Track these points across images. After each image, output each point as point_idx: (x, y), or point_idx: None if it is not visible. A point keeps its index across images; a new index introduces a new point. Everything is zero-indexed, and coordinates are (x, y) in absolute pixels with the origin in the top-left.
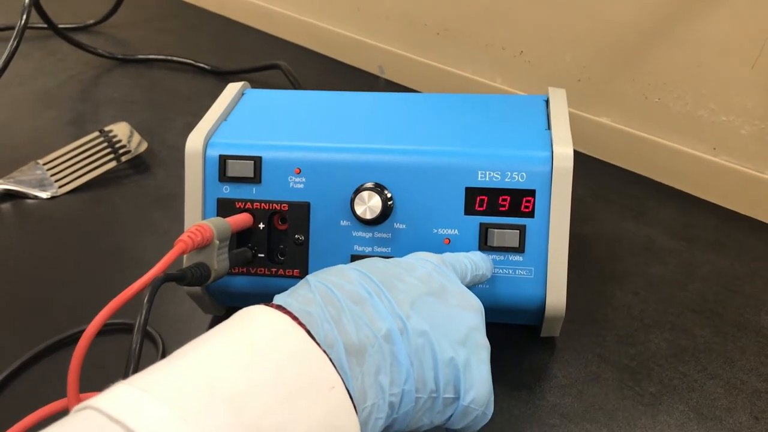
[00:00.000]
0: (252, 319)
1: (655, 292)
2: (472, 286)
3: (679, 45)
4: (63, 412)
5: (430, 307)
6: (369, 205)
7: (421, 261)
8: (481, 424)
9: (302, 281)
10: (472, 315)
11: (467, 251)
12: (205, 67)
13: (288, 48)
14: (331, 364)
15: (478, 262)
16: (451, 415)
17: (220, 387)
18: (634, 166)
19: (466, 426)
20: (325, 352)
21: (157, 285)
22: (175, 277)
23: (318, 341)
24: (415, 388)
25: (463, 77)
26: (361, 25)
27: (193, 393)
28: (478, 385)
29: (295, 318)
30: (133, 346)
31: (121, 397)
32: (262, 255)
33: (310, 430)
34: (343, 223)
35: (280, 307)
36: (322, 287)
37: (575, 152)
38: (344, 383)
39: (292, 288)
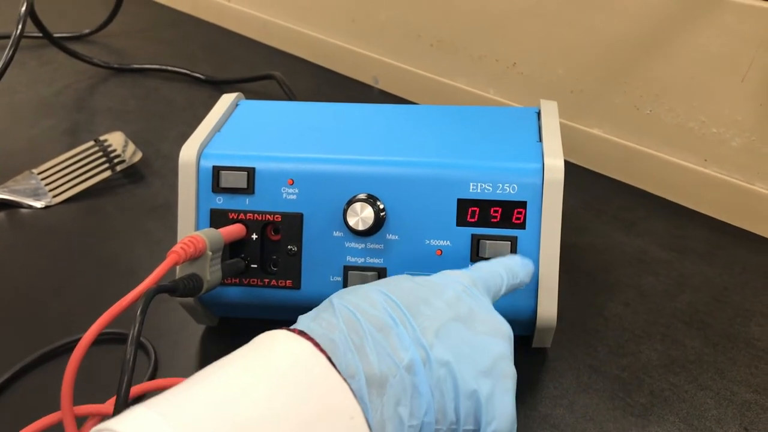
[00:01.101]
0: (274, 345)
1: (646, 303)
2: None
3: (670, 58)
4: (57, 426)
5: (456, 335)
6: (361, 216)
7: (451, 282)
8: None
9: (326, 303)
10: (499, 342)
11: (460, 262)
12: (200, 76)
13: (283, 58)
14: (351, 393)
15: (515, 269)
16: None
17: (239, 415)
18: (625, 177)
19: None
20: (345, 381)
21: (150, 296)
22: (168, 288)
23: (339, 370)
24: (435, 419)
25: (456, 88)
26: (355, 35)
27: (211, 421)
28: (500, 416)
29: (317, 344)
30: (127, 357)
31: (140, 421)
32: (255, 266)
33: None
34: (336, 234)
35: (302, 333)
36: (347, 312)
37: (567, 163)
38: (363, 413)
39: (315, 310)
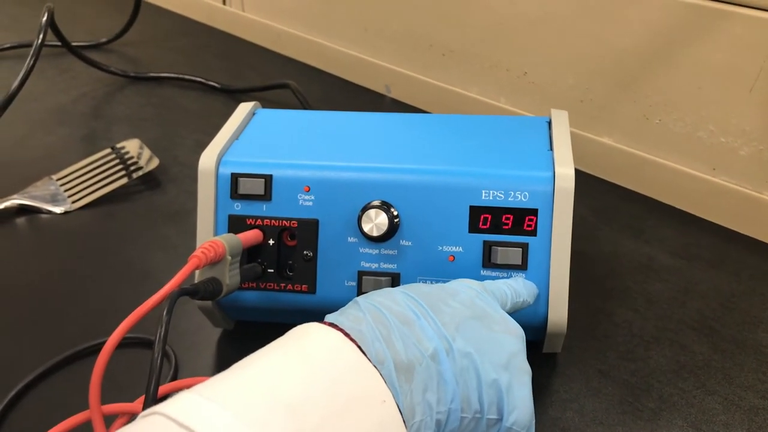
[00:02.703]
0: (308, 334)
1: (654, 309)
2: (512, 313)
3: (679, 68)
4: (86, 425)
5: (474, 331)
6: (376, 222)
7: (464, 287)
8: None
9: (352, 302)
10: (514, 340)
11: (472, 268)
12: (216, 85)
13: (296, 67)
14: (382, 378)
15: (518, 290)
16: None
17: (281, 397)
18: (634, 186)
19: None
20: (375, 367)
21: (174, 298)
22: (189, 291)
23: (369, 357)
24: (460, 407)
25: (467, 97)
26: (368, 45)
27: (255, 402)
28: (520, 407)
29: (347, 335)
30: (155, 356)
31: (188, 404)
32: (272, 270)
33: None
34: (351, 239)
35: (332, 325)
36: (372, 307)
37: (577, 171)
38: (394, 398)
39: (342, 309)
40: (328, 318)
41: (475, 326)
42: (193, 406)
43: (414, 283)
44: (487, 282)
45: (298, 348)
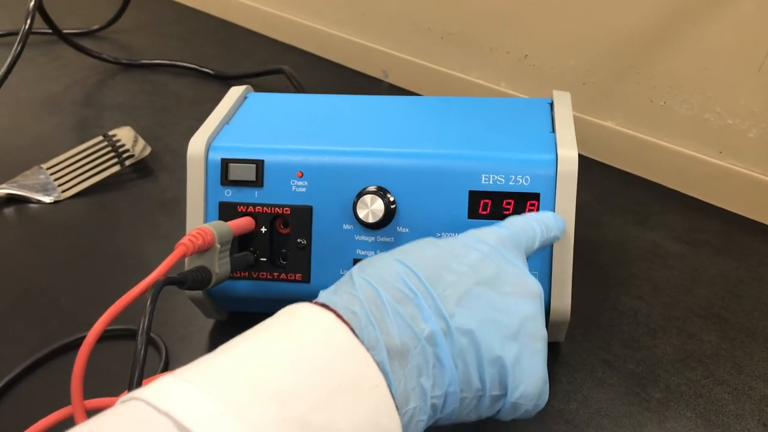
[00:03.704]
0: (297, 316)
1: (660, 297)
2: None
3: (684, 48)
4: (68, 420)
5: (480, 300)
6: (372, 208)
7: (475, 243)
8: (534, 413)
9: (347, 276)
10: (527, 302)
11: None
12: (209, 71)
13: (292, 52)
14: (374, 363)
15: (549, 224)
16: (500, 409)
17: (267, 382)
18: (639, 170)
19: (517, 417)
20: (368, 351)
21: (158, 288)
22: (176, 280)
23: (362, 341)
24: (459, 389)
25: (467, 81)
26: (365, 29)
27: (240, 387)
28: (528, 380)
29: (339, 316)
30: (138, 348)
31: (168, 389)
32: (264, 259)
33: (354, 427)
34: (346, 227)
35: (324, 305)
36: (366, 285)
37: (580, 156)
38: (387, 384)
39: (336, 284)
40: (321, 296)
41: (481, 294)
42: (172, 391)
43: (420, 241)
44: (514, 220)
45: (287, 330)
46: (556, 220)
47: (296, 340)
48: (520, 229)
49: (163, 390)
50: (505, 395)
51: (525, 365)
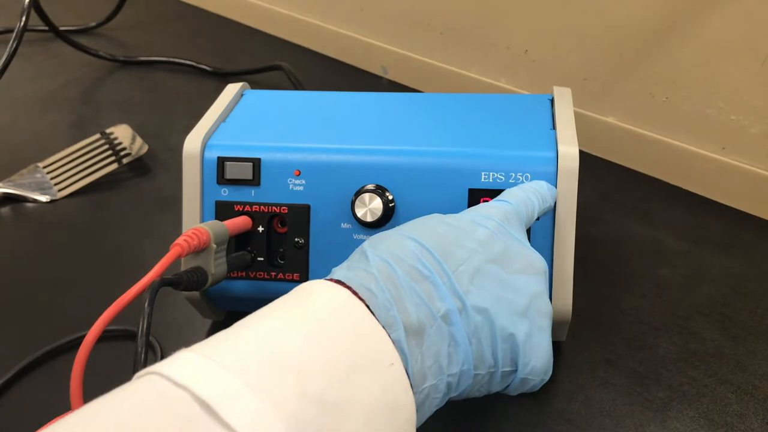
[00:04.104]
0: (313, 292)
1: (663, 295)
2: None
3: (686, 43)
4: None
5: (492, 278)
6: (370, 207)
7: (481, 219)
8: (539, 387)
9: (359, 253)
10: (534, 280)
11: None
12: (207, 68)
13: (290, 49)
14: (390, 341)
15: (545, 194)
16: (509, 385)
17: (285, 358)
18: (641, 167)
19: (524, 391)
20: (384, 329)
21: (155, 289)
22: (172, 281)
23: (378, 318)
24: (473, 366)
25: (467, 77)
26: (364, 25)
27: (258, 363)
28: (537, 355)
29: (354, 293)
30: (138, 350)
31: (186, 363)
32: (262, 259)
33: (370, 404)
34: (344, 225)
35: (339, 282)
36: (381, 262)
37: (581, 152)
38: (402, 362)
39: (348, 260)
40: (336, 274)
41: (493, 272)
42: (191, 366)
43: (427, 217)
44: (513, 191)
45: (304, 307)
46: (549, 189)
47: (313, 317)
48: (521, 202)
49: (181, 364)
50: (515, 371)
51: (534, 342)
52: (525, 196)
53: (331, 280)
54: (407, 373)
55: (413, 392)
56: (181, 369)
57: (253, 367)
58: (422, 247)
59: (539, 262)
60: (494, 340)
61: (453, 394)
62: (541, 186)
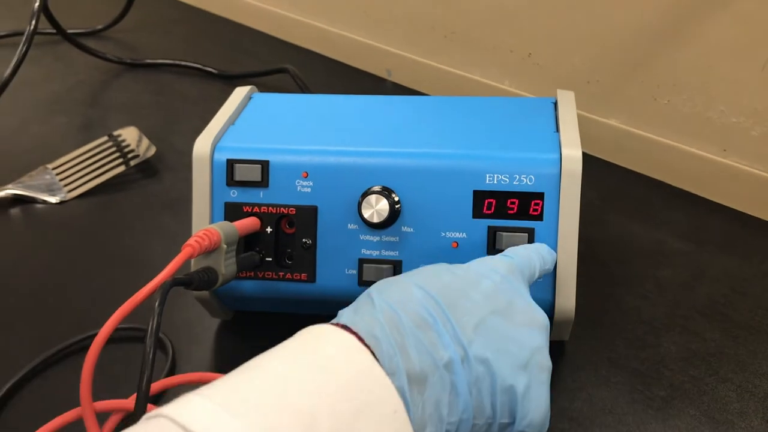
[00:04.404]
0: (320, 337)
1: (664, 295)
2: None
3: (688, 47)
4: (78, 422)
5: (495, 330)
6: (376, 208)
7: (488, 271)
8: None
9: (365, 298)
10: (536, 334)
11: (476, 254)
12: (213, 71)
13: (295, 52)
14: (394, 388)
15: (545, 257)
16: None
17: (291, 402)
18: (643, 168)
19: None
20: (388, 376)
21: (166, 289)
22: (183, 281)
23: (382, 365)
24: (472, 416)
25: (471, 80)
26: (368, 28)
27: (265, 407)
28: (535, 409)
29: (360, 339)
30: (147, 350)
31: (194, 408)
32: (270, 259)
33: None
34: (351, 226)
35: (345, 327)
36: (388, 309)
37: (584, 154)
38: (405, 409)
39: (354, 305)
40: (342, 318)
41: (496, 323)
42: (200, 412)
43: (435, 266)
44: (517, 250)
45: (311, 352)
46: (550, 253)
47: (320, 362)
48: (525, 260)
49: (189, 409)
50: (512, 423)
51: (533, 395)
52: (528, 255)
53: (337, 325)
54: (409, 419)
55: None
56: (191, 415)
57: (260, 413)
58: (428, 295)
59: (541, 317)
60: (494, 390)
61: None
62: (543, 248)
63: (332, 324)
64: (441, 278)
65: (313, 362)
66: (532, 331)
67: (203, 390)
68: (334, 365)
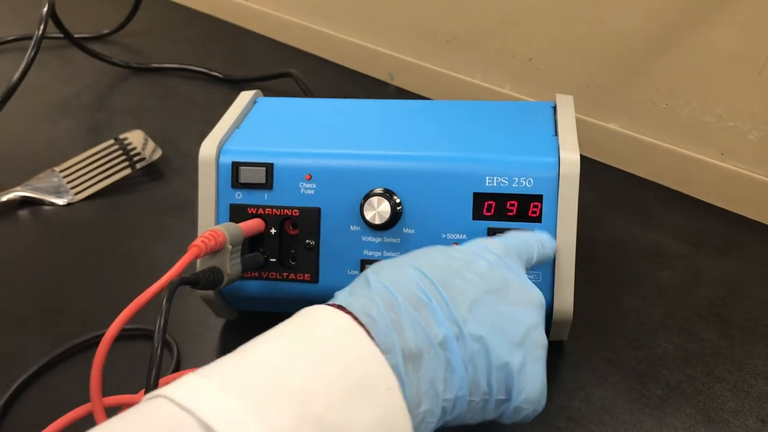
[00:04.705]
0: (316, 317)
1: (662, 296)
2: (537, 265)
3: (686, 52)
4: (87, 418)
5: (489, 308)
6: (378, 210)
7: (483, 251)
8: (533, 417)
9: (362, 279)
10: (531, 312)
11: None
12: (218, 75)
13: (299, 56)
14: (389, 366)
15: (545, 242)
16: (503, 413)
17: (286, 381)
18: (642, 172)
19: (517, 421)
20: (383, 354)
21: (173, 287)
22: (190, 280)
23: (377, 344)
24: (468, 392)
25: (472, 84)
26: (371, 33)
27: (260, 386)
28: (530, 385)
29: (355, 318)
30: (155, 345)
31: (192, 387)
32: (274, 260)
33: (368, 427)
34: (353, 228)
35: (341, 307)
36: (383, 289)
37: (583, 157)
38: (400, 387)
39: (351, 286)
40: (338, 299)
41: (490, 302)
42: (196, 389)
43: (430, 248)
44: (513, 236)
45: (306, 332)
46: (550, 241)
47: (314, 342)
48: (522, 242)
49: (188, 388)
50: (509, 399)
51: (528, 372)
52: (525, 238)
53: (333, 305)
54: (404, 397)
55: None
56: (187, 393)
57: (255, 392)
58: (423, 275)
59: (537, 295)
60: (489, 367)
61: (448, 418)
62: (543, 235)
63: (328, 304)
64: (436, 259)
65: (310, 342)
66: (527, 309)
67: (202, 370)
68: (330, 344)
